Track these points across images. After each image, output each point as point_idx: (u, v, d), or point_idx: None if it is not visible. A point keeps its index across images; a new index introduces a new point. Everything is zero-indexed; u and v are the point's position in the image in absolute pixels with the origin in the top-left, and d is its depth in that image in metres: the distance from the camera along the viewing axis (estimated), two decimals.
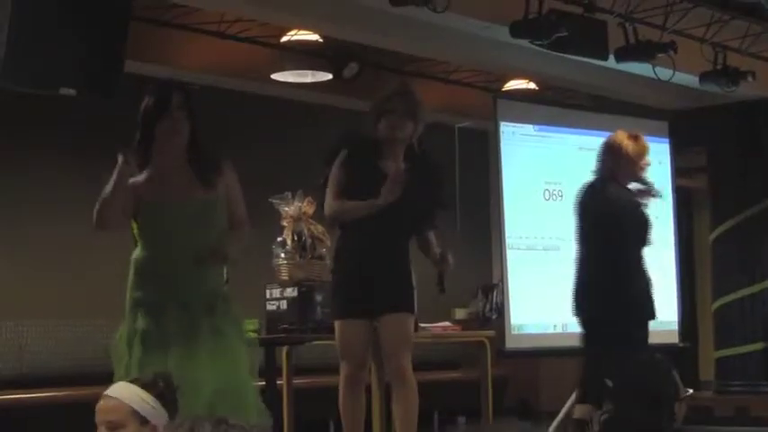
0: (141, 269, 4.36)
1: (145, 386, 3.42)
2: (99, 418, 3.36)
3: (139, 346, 4.25)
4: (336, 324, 5.18)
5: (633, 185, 6.11)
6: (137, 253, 4.40)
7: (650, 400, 3.51)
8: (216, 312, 4.35)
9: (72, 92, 5.58)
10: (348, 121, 5.82)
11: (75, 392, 6.29)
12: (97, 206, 4.32)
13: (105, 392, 3.40)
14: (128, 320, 4.33)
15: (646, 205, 6.14)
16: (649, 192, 6.13)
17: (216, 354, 4.25)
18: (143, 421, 3.31)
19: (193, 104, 4.46)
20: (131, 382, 3.47)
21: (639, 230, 6.03)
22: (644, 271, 6.04)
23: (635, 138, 6.10)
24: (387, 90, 5.29)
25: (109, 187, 4.27)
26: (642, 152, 6.07)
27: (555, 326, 8.14)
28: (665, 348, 8.31)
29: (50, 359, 6.96)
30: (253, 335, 6.09)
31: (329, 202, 5.18)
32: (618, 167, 6.02)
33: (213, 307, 4.35)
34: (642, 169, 6.09)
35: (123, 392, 3.37)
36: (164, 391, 3.43)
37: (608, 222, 5.97)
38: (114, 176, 4.26)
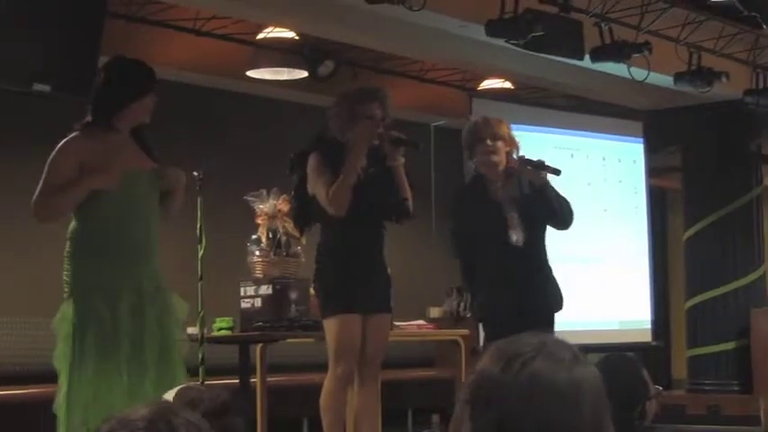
0: (93, 247, 4.36)
1: (183, 399, 3.41)
2: None
3: (95, 332, 4.23)
4: (332, 321, 5.07)
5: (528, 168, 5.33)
6: (78, 228, 4.37)
7: (621, 399, 3.52)
8: (159, 295, 4.39)
9: (46, 88, 5.56)
10: (324, 118, 5.77)
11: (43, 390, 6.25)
12: (46, 201, 4.35)
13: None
14: (80, 302, 4.29)
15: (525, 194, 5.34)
16: (541, 168, 5.33)
17: (160, 359, 4.33)
18: None
19: None
20: (180, 391, 3.46)
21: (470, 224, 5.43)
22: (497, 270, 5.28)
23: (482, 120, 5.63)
24: (362, 94, 5.30)
25: (71, 192, 4.31)
26: (481, 130, 5.54)
27: None
28: (638, 347, 8.35)
29: (18, 355, 6.92)
30: (227, 333, 6.09)
31: (324, 193, 5.08)
32: (471, 156, 5.63)
33: (159, 287, 4.40)
34: (481, 144, 5.47)
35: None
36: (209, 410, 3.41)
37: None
38: (84, 187, 4.31)
